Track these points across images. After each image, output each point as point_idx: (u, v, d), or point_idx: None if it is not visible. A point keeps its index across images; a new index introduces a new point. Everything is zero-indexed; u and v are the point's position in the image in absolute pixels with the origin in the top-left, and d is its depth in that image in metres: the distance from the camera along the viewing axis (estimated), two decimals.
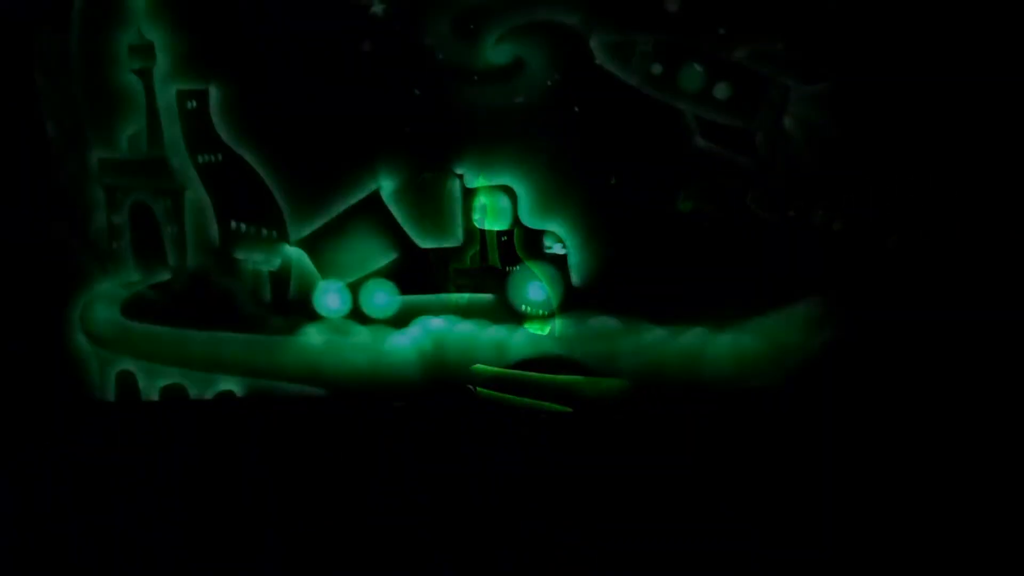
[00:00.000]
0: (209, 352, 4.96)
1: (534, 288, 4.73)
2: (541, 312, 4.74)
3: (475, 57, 4.63)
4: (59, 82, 4.85)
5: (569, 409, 3.79)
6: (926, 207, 4.41)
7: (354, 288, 4.87)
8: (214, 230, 4.90)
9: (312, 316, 4.91)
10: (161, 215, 4.90)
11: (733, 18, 4.44)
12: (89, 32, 4.79)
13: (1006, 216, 4.45)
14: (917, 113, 4.35)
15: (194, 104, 4.79)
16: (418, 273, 4.84)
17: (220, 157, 4.82)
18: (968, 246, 4.47)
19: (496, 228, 4.72)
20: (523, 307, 4.74)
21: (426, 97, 4.66)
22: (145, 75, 4.79)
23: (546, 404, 4.50)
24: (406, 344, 4.85)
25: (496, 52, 4.63)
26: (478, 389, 3.93)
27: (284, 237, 4.85)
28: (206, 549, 4.05)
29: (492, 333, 4.79)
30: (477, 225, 4.73)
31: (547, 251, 4.68)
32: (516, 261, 4.59)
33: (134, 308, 4.98)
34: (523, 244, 4.72)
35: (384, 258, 4.84)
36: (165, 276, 4.96)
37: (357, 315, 4.89)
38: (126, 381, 5.04)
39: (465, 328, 4.83)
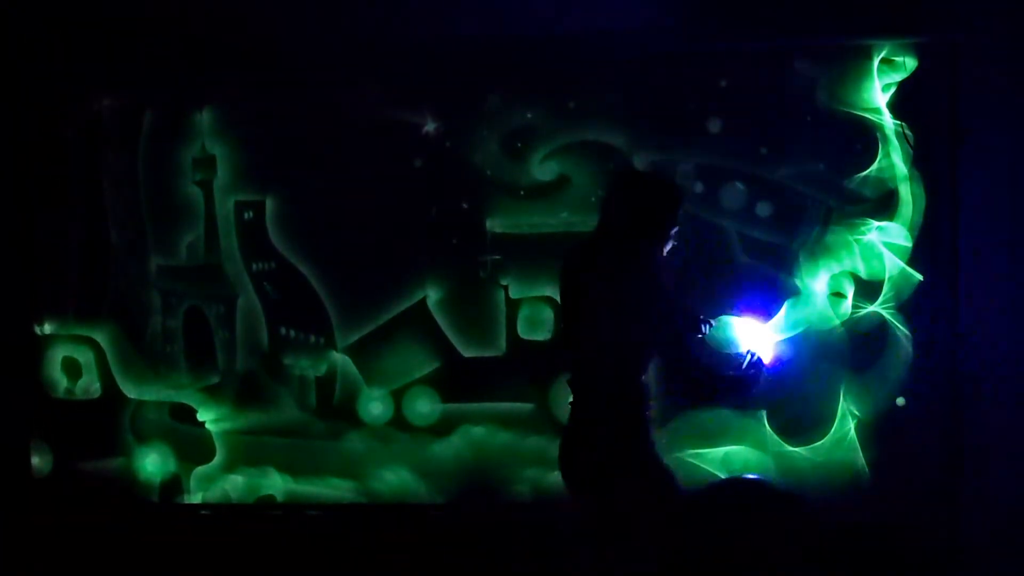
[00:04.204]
0: (253, 457, 5.02)
1: None
2: None
3: (522, 173, 4.81)
4: (125, 193, 5.06)
5: None
6: None
7: (397, 395, 4.93)
8: (264, 336, 5.01)
9: (355, 423, 4.96)
10: (214, 320, 5.04)
11: (775, 138, 4.60)
12: (156, 146, 5.02)
13: None
14: None
15: (251, 215, 4.98)
16: (461, 381, 4.90)
17: (273, 265, 4.97)
18: None
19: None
20: None
21: (473, 210, 4.82)
22: (206, 186, 5.00)
23: None
24: (447, 453, 4.88)
25: (542, 169, 4.81)
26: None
27: (331, 344, 4.95)
28: None
29: (533, 443, 4.81)
30: None
31: None
32: None
33: (183, 411, 5.07)
34: None
35: (427, 366, 4.91)
36: (214, 380, 5.05)
37: (399, 423, 4.93)
38: (172, 484, 5.08)
39: (506, 437, 4.86)
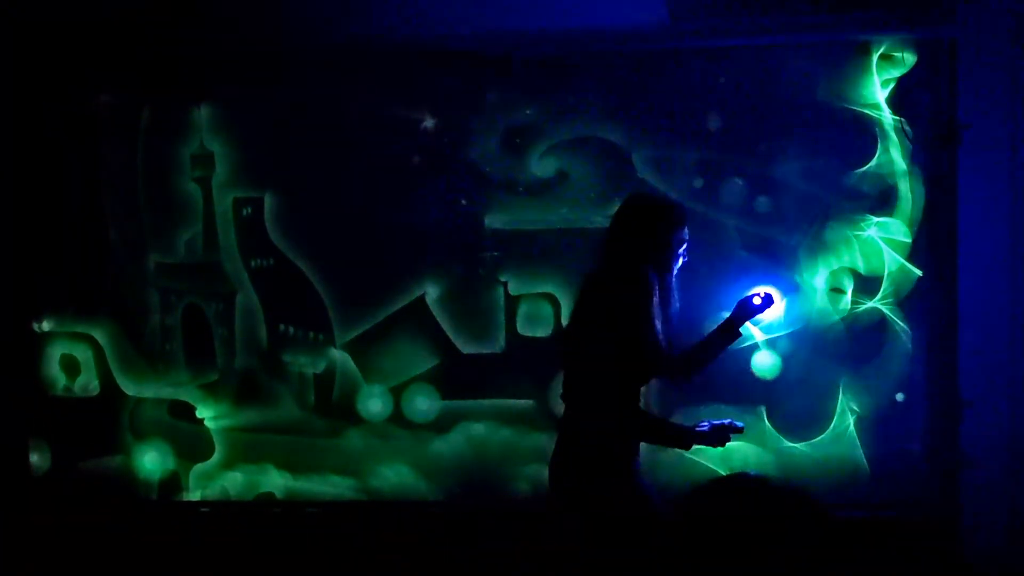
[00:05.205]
0: (252, 454, 5.01)
1: None
2: None
3: (521, 170, 4.80)
4: (123, 190, 5.06)
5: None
6: None
7: (396, 392, 4.92)
8: (262, 332, 5.00)
9: (354, 420, 4.95)
10: (212, 317, 5.03)
11: (774, 134, 4.60)
12: (154, 143, 5.02)
13: None
14: None
15: (249, 211, 4.97)
16: (460, 378, 4.89)
17: (272, 262, 4.97)
18: None
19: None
20: None
21: (472, 207, 4.82)
22: (204, 183, 4.99)
23: None
24: (447, 449, 4.88)
25: (541, 165, 4.80)
26: None
27: (330, 340, 4.95)
28: None
29: (533, 439, 4.80)
30: None
31: None
32: None
33: (181, 408, 5.06)
34: None
35: (427, 363, 4.90)
36: (213, 377, 5.04)
37: (399, 419, 4.92)
38: (171, 481, 5.08)
39: (506, 434, 4.85)
